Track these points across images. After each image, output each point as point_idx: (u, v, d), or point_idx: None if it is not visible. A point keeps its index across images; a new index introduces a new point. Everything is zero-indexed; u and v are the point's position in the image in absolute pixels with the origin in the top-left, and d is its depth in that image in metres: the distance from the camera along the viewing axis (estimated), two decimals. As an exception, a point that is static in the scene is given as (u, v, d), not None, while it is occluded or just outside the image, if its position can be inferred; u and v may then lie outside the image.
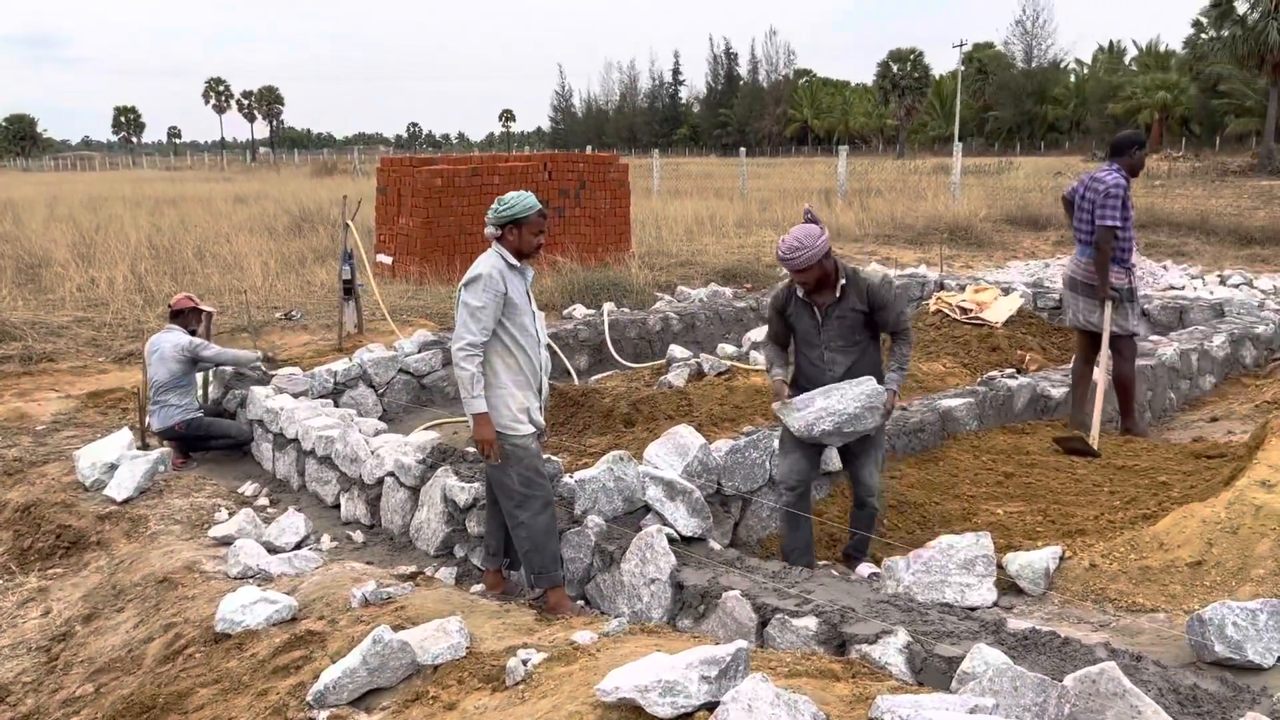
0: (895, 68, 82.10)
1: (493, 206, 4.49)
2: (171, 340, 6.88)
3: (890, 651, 3.35)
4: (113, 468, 6.47)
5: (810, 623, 3.62)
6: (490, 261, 4.47)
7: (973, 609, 4.19)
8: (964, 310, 9.70)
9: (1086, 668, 2.86)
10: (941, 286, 11.77)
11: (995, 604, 4.37)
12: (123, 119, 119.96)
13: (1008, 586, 4.51)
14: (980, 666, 2.91)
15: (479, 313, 4.37)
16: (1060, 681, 2.82)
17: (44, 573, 5.57)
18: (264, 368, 7.51)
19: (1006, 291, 10.52)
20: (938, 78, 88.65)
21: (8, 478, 6.87)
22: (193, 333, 7.11)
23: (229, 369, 7.48)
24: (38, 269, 14.66)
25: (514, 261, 4.51)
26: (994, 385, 7.15)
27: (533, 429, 4.52)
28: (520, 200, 4.47)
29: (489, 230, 4.51)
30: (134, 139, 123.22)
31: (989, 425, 6.88)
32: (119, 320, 11.31)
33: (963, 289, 10.72)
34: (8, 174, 58.73)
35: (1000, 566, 4.57)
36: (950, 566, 4.38)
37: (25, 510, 6.15)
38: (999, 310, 9.65)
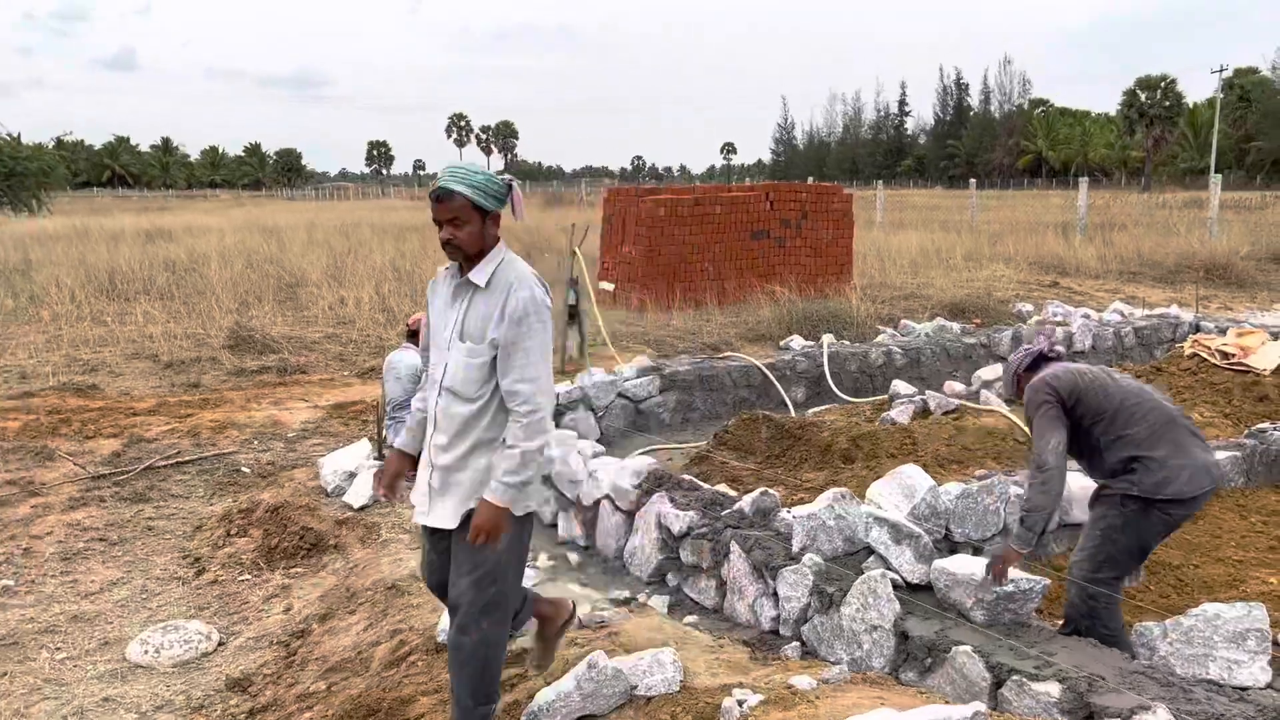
0: (1143, 96, 77.21)
1: None
2: (406, 361, 7.20)
3: (1148, 730, 2.99)
4: (351, 476, 6.85)
5: (1053, 688, 3.30)
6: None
7: (1243, 689, 3.71)
8: (1225, 355, 8.82)
9: (1400, 775, 2.45)
10: (1198, 328, 10.78)
11: (1269, 685, 3.86)
12: (375, 152, 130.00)
13: (1285, 667, 3.98)
14: (1263, 760, 2.54)
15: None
16: (1368, 788, 2.43)
17: (288, 571, 5.94)
18: None
19: (1276, 336, 9.49)
20: (1191, 106, 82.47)
21: (261, 480, 7.43)
22: (426, 354, 7.40)
23: None
24: (295, 288, 15.98)
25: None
26: (1264, 438, 6.42)
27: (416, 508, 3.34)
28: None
29: None
30: (384, 171, 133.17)
31: (1258, 483, 6.18)
32: (363, 337, 12.11)
33: (1223, 332, 9.75)
34: (275, 202, 64.74)
35: (1276, 643, 4.04)
36: (1215, 639, 3.90)
37: (274, 511, 6.60)
38: (1268, 356, 8.70)
